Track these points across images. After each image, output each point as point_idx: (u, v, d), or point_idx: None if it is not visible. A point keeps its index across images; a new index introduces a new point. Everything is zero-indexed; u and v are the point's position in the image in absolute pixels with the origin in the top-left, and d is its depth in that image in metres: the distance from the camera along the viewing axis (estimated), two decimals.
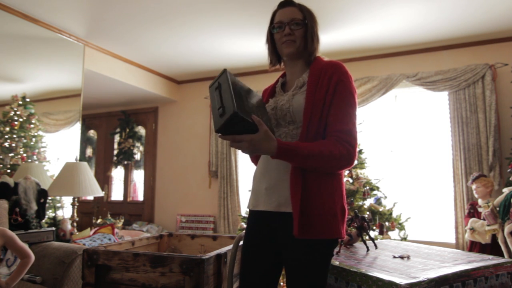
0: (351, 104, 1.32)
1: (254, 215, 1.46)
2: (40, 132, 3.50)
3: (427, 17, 3.49)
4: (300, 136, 1.32)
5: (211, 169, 5.20)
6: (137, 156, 5.94)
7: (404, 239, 3.47)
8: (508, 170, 3.43)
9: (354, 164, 1.34)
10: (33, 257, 1.92)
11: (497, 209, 3.22)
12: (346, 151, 1.25)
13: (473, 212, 3.55)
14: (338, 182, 1.34)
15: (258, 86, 5.07)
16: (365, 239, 2.01)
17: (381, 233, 3.39)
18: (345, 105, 1.30)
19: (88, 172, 3.11)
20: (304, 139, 1.30)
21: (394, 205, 3.55)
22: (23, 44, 3.45)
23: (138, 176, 5.98)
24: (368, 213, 3.39)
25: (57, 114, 3.79)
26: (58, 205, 3.63)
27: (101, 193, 3.14)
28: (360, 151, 3.63)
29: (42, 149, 3.51)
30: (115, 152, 6.01)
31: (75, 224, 3.12)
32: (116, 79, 4.47)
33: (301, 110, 1.33)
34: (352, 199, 3.40)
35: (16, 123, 3.28)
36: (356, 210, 3.07)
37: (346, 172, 3.55)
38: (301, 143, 1.25)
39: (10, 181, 2.69)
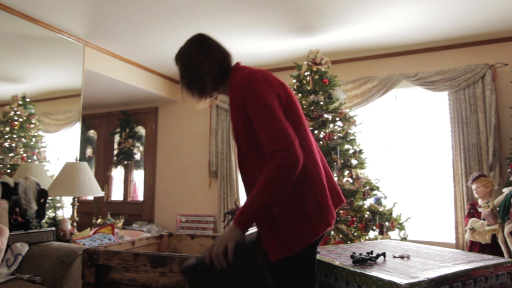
0: (264, 110, 1.28)
1: None
2: (40, 132, 3.50)
3: (427, 17, 3.49)
4: (237, 157, 1.42)
5: (211, 169, 5.20)
6: (137, 156, 5.94)
7: (404, 239, 3.47)
8: (508, 170, 3.43)
9: (301, 159, 1.24)
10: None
11: (497, 209, 3.22)
12: (280, 161, 1.20)
13: (473, 212, 3.55)
14: (303, 184, 1.31)
15: None
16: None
17: (381, 233, 3.38)
18: (260, 115, 1.28)
19: (88, 172, 3.11)
20: (240, 159, 1.41)
21: (394, 205, 3.54)
22: (23, 44, 3.45)
23: (138, 176, 5.98)
24: (368, 213, 3.39)
25: (57, 114, 3.79)
26: (58, 205, 3.63)
27: (101, 193, 3.14)
28: (360, 151, 3.62)
29: (42, 149, 3.51)
30: (115, 152, 6.01)
31: (75, 224, 3.12)
32: (116, 79, 4.47)
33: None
34: (352, 199, 3.40)
35: (16, 123, 3.28)
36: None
37: (346, 172, 3.54)
38: (244, 207, 1.24)
39: (10, 181, 2.69)
